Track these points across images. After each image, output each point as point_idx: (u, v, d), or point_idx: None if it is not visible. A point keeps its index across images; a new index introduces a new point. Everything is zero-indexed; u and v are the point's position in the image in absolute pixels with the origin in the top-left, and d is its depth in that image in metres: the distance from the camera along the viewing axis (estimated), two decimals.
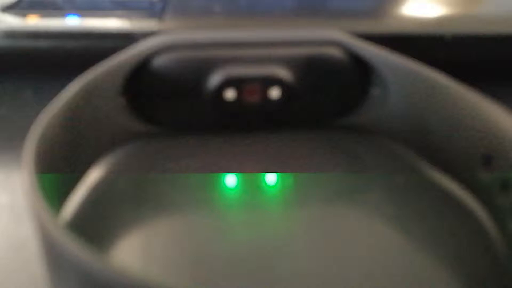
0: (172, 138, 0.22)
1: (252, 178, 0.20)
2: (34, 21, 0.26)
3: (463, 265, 0.16)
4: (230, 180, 0.20)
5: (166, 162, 0.21)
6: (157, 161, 0.21)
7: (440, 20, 0.27)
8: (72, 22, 0.26)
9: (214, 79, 0.21)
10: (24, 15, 0.26)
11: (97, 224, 0.17)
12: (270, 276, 0.16)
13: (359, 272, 0.16)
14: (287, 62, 0.21)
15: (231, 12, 0.27)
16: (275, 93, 0.21)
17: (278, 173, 0.20)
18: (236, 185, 0.20)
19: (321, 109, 0.22)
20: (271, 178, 0.20)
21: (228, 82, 0.21)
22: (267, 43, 0.21)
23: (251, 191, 0.19)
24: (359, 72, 0.21)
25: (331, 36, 0.21)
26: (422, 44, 0.25)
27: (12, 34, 0.25)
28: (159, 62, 0.20)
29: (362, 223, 0.18)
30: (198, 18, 0.27)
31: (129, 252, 0.17)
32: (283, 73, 0.21)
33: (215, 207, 0.18)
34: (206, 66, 0.21)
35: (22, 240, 0.17)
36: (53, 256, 0.13)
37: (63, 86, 0.18)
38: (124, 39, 0.24)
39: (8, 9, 0.27)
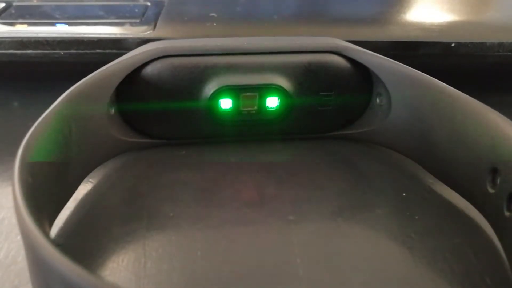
0: (165, 150, 0.21)
1: (249, 191, 0.19)
2: (22, 29, 0.25)
3: (470, 283, 0.16)
4: (227, 193, 0.19)
5: (159, 175, 0.20)
6: (150, 174, 0.20)
7: (443, 28, 0.27)
8: (62, 30, 0.25)
9: (210, 88, 0.20)
10: (12, 23, 0.26)
11: (87, 241, 0.17)
12: None
13: None
14: (285, 70, 0.20)
15: (227, 20, 0.27)
16: (272, 102, 0.21)
17: (278, 186, 0.19)
18: (233, 199, 0.19)
19: (321, 119, 0.22)
20: (270, 191, 0.19)
21: (224, 91, 0.20)
22: (264, 51, 0.20)
23: (249, 205, 0.19)
24: (360, 81, 0.21)
25: (331, 43, 0.21)
26: (425, 52, 0.25)
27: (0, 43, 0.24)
28: (152, 70, 0.20)
29: (365, 240, 0.17)
30: (193, 25, 0.27)
31: (120, 269, 0.16)
32: (281, 81, 0.20)
33: (211, 223, 0.18)
34: (202, 74, 0.20)
35: (11, 257, 0.16)
36: (42, 273, 0.12)
37: (52, 96, 0.17)
38: (116, 47, 0.24)
39: None
